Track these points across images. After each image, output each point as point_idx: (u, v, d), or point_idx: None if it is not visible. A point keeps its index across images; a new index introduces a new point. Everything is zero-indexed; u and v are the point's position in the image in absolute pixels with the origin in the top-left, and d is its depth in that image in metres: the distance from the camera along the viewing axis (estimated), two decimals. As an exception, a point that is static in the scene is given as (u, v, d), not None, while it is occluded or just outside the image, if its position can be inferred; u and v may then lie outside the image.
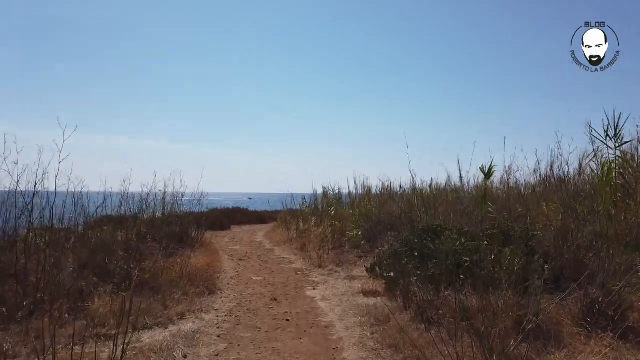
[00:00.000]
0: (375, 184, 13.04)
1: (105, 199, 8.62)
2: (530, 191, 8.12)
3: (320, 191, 14.46)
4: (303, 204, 15.32)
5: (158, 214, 10.76)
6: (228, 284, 7.13)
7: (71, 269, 5.69)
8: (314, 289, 6.69)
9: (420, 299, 4.79)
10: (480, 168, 6.87)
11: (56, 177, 5.11)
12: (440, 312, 4.56)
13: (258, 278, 7.66)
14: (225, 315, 5.18)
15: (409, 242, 6.65)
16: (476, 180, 9.48)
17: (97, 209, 8.18)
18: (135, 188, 10.06)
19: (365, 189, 12.62)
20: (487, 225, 6.85)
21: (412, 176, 9.32)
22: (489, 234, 6.26)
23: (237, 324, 4.87)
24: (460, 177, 9.50)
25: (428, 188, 10.74)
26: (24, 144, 5.11)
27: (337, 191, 13.61)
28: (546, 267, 5.12)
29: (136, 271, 5.92)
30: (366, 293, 6.12)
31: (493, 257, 5.44)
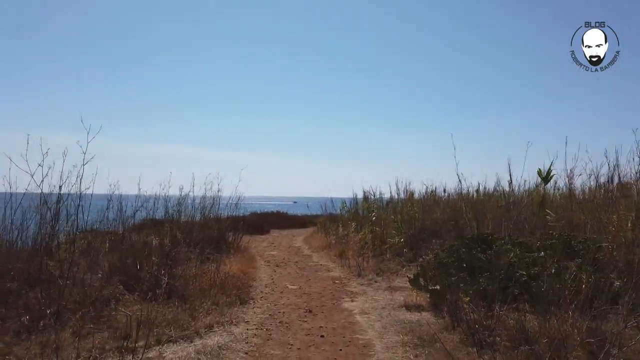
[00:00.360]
0: (417, 188, 12.41)
1: (142, 203, 8.54)
2: (591, 197, 7.35)
3: (360, 195, 13.96)
4: (343, 208, 14.88)
5: (197, 218, 10.61)
6: (262, 292, 6.79)
7: (100, 275, 5.51)
8: (352, 301, 6.24)
9: (471, 317, 4.25)
10: (537, 171, 6.21)
11: (80, 179, 4.90)
12: (495, 333, 4.01)
13: (293, 287, 7.29)
14: (256, 329, 4.82)
15: (456, 252, 6.09)
16: (527, 184, 8.71)
17: (134, 212, 8.09)
18: (176, 192, 9.92)
19: (408, 194, 12.03)
20: (545, 235, 6.21)
21: (460, 180, 8.66)
22: (547, 244, 5.62)
23: (268, 339, 4.49)
24: (510, 181, 8.74)
25: (474, 193, 10.08)
26: (57, 148, 4.95)
27: (378, 195, 13.08)
28: (617, 283, 4.50)
29: (166, 278, 5.69)
30: (409, 307, 5.61)
31: (553, 271, 4.84)
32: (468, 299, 4.19)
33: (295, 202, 56.33)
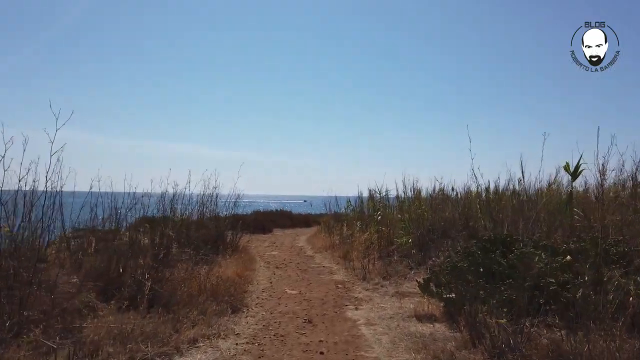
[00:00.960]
0: (425, 186, 11.76)
1: (137, 201, 8.00)
2: (613, 195, 6.70)
3: (366, 193, 13.33)
4: (348, 207, 14.27)
5: (194, 216, 10.06)
6: (258, 298, 6.22)
7: (75, 279, 4.95)
8: (356, 309, 5.65)
9: (495, 333, 3.66)
10: (564, 167, 5.59)
11: (47, 172, 4.33)
12: (525, 354, 3.41)
13: (293, 291, 6.71)
14: (247, 343, 4.24)
15: (471, 255, 5.49)
16: (540, 182, 8.03)
17: (126, 210, 7.54)
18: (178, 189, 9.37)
19: (415, 192, 11.40)
20: (571, 237, 5.59)
21: (475, 175, 8.00)
22: (576, 248, 5.00)
23: (259, 357, 3.91)
24: (522, 178, 7.99)
25: (484, 191, 9.44)
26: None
27: (384, 194, 12.44)
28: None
29: (149, 283, 5.12)
30: (420, 317, 5.02)
31: (586, 278, 4.22)
32: (504, 321, 3.57)
33: (305, 201, 56.39)
